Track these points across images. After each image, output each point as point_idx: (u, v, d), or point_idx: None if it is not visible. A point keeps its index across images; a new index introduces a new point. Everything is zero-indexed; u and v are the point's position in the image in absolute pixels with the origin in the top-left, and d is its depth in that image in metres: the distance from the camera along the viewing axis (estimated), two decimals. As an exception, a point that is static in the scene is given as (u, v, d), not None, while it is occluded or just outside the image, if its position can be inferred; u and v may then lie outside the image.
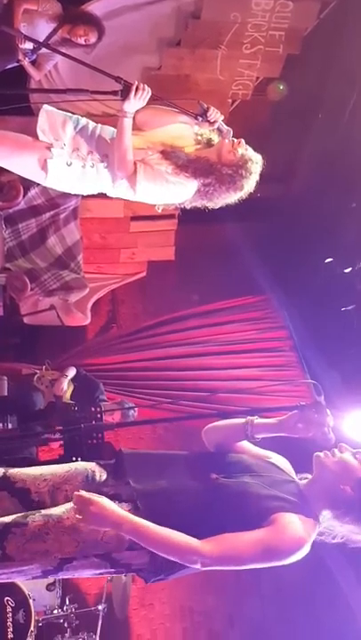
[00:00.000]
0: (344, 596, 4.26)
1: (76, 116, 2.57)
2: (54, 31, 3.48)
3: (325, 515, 1.79)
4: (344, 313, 4.88)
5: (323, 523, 1.79)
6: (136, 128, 2.50)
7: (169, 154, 2.52)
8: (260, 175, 2.58)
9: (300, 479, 1.92)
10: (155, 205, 2.75)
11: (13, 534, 1.72)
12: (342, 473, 1.79)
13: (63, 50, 3.13)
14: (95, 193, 2.68)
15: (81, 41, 3.55)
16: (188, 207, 2.66)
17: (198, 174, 2.52)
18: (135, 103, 2.36)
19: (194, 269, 5.28)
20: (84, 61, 2.57)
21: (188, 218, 4.92)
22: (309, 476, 1.89)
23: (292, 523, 1.71)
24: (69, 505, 1.77)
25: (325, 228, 4.90)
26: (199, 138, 2.58)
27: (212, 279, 5.19)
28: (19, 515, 1.78)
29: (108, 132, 2.56)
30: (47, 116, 2.52)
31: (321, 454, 1.84)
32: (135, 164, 2.48)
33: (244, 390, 4.55)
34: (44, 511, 1.78)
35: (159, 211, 2.79)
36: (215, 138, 2.58)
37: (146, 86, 2.36)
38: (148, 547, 1.69)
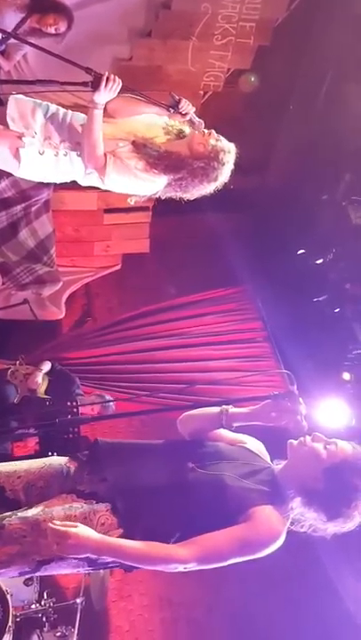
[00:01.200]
0: (322, 578, 4.34)
1: (45, 102, 2.54)
2: (23, 20, 3.42)
3: (296, 502, 1.82)
4: (316, 303, 4.95)
5: (295, 510, 1.82)
6: (107, 115, 2.48)
7: (140, 147, 2.50)
8: (234, 167, 2.59)
9: (276, 464, 1.94)
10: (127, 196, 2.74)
11: None
12: (310, 462, 1.83)
13: (32, 40, 3.08)
14: (68, 181, 2.66)
15: (51, 30, 3.50)
16: (162, 197, 2.65)
17: (169, 170, 2.51)
18: (105, 94, 2.35)
19: (169, 262, 5.28)
20: (54, 52, 2.53)
21: (163, 210, 4.97)
22: (283, 462, 1.92)
23: (268, 516, 1.75)
24: (45, 505, 1.77)
25: (298, 220, 4.96)
26: (170, 129, 2.57)
27: (188, 271, 5.20)
28: None
29: (79, 118, 2.54)
30: (16, 103, 2.48)
31: (294, 442, 1.87)
32: (105, 155, 2.47)
33: (220, 382, 4.58)
34: (20, 513, 1.77)
35: (132, 203, 2.78)
36: (186, 129, 2.57)
37: (116, 77, 2.34)
38: (128, 563, 1.71)
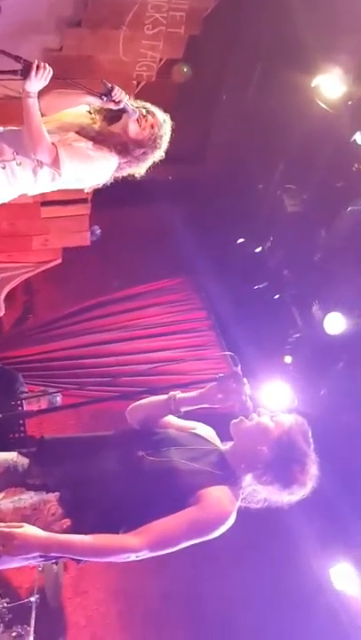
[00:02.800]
0: (273, 560, 4.46)
1: None
2: None
3: (247, 479, 1.85)
4: (258, 290, 5.05)
5: (246, 488, 1.86)
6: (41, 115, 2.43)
7: (82, 131, 2.49)
8: (171, 157, 2.62)
9: (224, 446, 1.97)
10: (83, 189, 2.72)
11: None
12: (259, 435, 1.86)
13: None
14: (15, 196, 2.58)
15: (-24, 19, 3.40)
16: (116, 178, 2.65)
17: (117, 150, 2.52)
18: (37, 82, 2.30)
19: (110, 255, 5.25)
20: (-20, 39, 2.47)
21: (102, 202, 4.93)
22: (231, 443, 1.95)
23: (218, 497, 1.76)
24: None
25: (236, 210, 5.04)
26: (93, 114, 2.55)
27: (130, 264, 5.19)
28: None
29: (10, 129, 2.48)
30: None
31: (236, 420, 1.90)
32: (54, 145, 2.42)
33: (166, 372, 4.61)
34: None
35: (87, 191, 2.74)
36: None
37: (47, 65, 2.31)
38: (79, 558, 1.70)
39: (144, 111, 2.53)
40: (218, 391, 1.91)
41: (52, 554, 1.68)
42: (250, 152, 4.86)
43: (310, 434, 1.91)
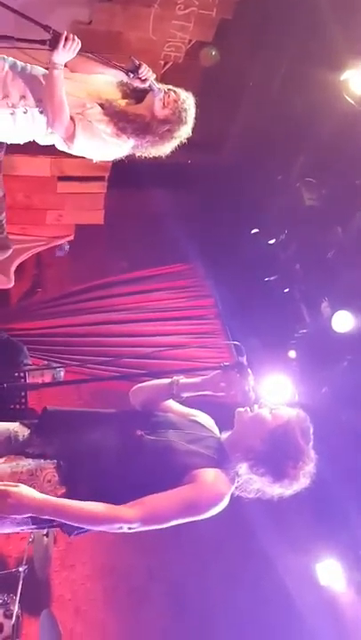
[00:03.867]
0: (259, 545, 4.50)
1: (1, 56, 2.43)
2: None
3: (243, 468, 1.87)
4: (267, 283, 5.03)
5: (241, 476, 1.87)
6: (66, 70, 2.41)
7: (107, 109, 2.45)
8: (191, 142, 2.60)
9: (223, 434, 2.00)
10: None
11: None
12: (256, 426, 1.89)
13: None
14: (26, 141, 2.58)
15: (7, -15, 3.35)
16: (135, 155, 2.62)
17: (136, 135, 2.49)
18: (64, 54, 2.28)
19: (123, 235, 5.23)
20: (10, 6, 2.43)
21: (118, 182, 4.90)
22: (230, 432, 1.97)
23: (212, 478, 1.79)
24: None
25: (253, 199, 4.99)
26: (124, 88, 2.52)
27: (141, 246, 5.17)
28: None
29: (39, 71, 2.45)
30: None
31: (241, 409, 1.93)
32: (72, 119, 2.41)
33: (170, 357, 4.62)
34: None
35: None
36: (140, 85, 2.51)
37: (75, 37, 2.28)
38: (72, 523, 1.71)
39: (166, 89, 2.50)
40: (221, 379, 1.92)
41: (45, 516, 1.69)
42: (271, 142, 4.80)
43: (311, 431, 1.91)
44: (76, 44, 2.28)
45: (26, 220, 4.88)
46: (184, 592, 4.57)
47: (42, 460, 1.79)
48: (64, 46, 2.26)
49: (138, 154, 2.60)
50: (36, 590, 4.05)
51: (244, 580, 4.48)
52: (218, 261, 5.08)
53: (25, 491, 1.67)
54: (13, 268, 4.76)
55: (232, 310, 5.00)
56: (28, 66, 2.46)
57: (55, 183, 4.74)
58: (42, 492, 1.72)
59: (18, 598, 3.69)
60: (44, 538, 3.90)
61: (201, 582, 4.51)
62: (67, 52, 2.28)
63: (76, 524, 1.73)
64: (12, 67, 2.42)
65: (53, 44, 2.26)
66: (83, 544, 4.42)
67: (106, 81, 2.53)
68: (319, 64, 4.33)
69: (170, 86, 2.56)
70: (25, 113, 2.41)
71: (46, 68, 2.38)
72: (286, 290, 4.99)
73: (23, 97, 2.40)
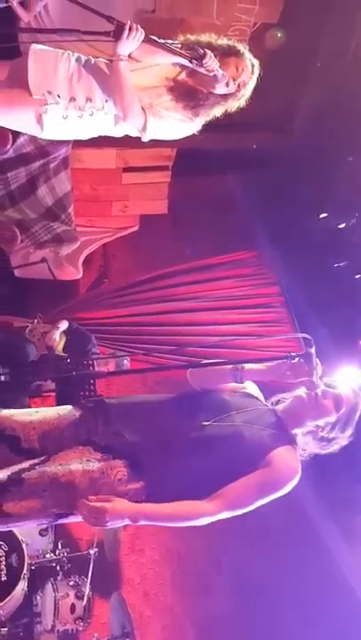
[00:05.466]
0: (325, 540, 4.44)
1: (67, 52, 2.46)
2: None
3: (298, 433, 1.98)
4: (337, 269, 4.87)
5: (300, 442, 1.99)
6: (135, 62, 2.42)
7: (178, 91, 2.46)
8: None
9: (272, 403, 2.07)
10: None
11: (10, 492, 1.76)
12: (319, 413, 1.97)
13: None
14: (94, 136, 2.63)
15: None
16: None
17: (207, 110, 2.52)
18: (128, 44, 2.28)
19: (187, 224, 5.22)
20: (75, -1, 2.45)
21: (182, 170, 4.89)
22: (281, 400, 2.06)
23: (285, 457, 1.88)
24: (62, 458, 1.82)
25: (321, 182, 4.83)
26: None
27: (205, 234, 5.14)
28: (13, 470, 1.80)
29: (102, 65, 2.46)
30: (36, 60, 2.40)
31: (304, 396, 1.98)
32: (143, 109, 2.42)
33: (235, 346, 4.58)
34: (38, 467, 1.80)
35: None
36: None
37: (139, 26, 2.27)
38: (162, 524, 1.80)
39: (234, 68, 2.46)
40: (288, 369, 1.92)
41: (138, 523, 1.77)
42: (341, 123, 4.61)
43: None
44: (140, 34, 2.27)
45: (92, 212, 4.97)
46: (250, 580, 4.55)
47: (110, 458, 1.83)
48: (127, 37, 2.25)
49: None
50: (106, 573, 4.16)
51: (312, 575, 4.41)
52: (285, 248, 4.97)
53: (119, 505, 1.73)
54: (81, 260, 4.87)
55: (300, 298, 4.88)
56: (92, 59, 2.47)
57: (120, 174, 4.79)
58: (113, 489, 1.79)
59: (89, 580, 3.80)
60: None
61: (268, 572, 4.48)
62: (131, 43, 2.27)
63: (165, 525, 1.81)
64: (78, 61, 2.44)
65: (117, 34, 2.25)
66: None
67: (170, 60, 2.51)
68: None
69: (238, 48, 2.50)
70: (91, 115, 2.44)
71: (111, 61, 2.39)
72: (357, 276, 4.82)
73: (89, 99, 2.41)
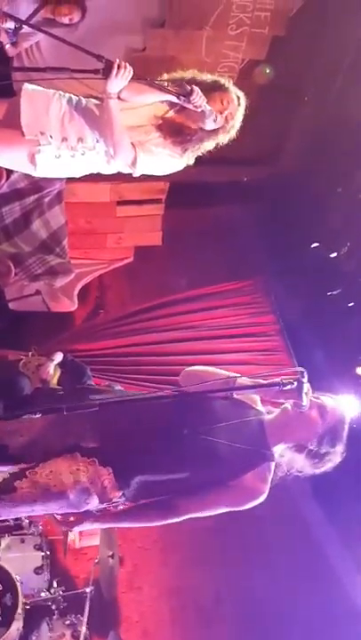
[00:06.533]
0: (330, 564, 4.35)
1: (58, 93, 2.52)
2: (37, 10, 3.43)
3: (287, 451, 2.01)
4: (330, 297, 4.90)
5: (284, 456, 2.01)
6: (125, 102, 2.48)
7: (167, 129, 2.52)
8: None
9: (267, 414, 2.08)
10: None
11: (2, 500, 1.84)
12: (307, 425, 2.01)
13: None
14: (86, 174, 2.68)
15: (65, 20, 3.51)
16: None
17: (192, 146, 2.57)
18: (117, 82, 2.34)
19: (181, 254, 5.27)
20: (66, 39, 2.52)
21: (175, 202, 4.95)
22: (274, 414, 2.06)
23: (253, 480, 1.93)
24: (52, 466, 1.86)
25: (312, 213, 4.90)
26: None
27: (200, 264, 5.18)
28: (4, 478, 1.86)
29: (93, 104, 2.53)
30: (28, 101, 2.45)
31: (289, 407, 2.01)
32: (133, 145, 2.47)
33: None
34: (30, 476, 1.86)
35: None
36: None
37: (127, 64, 2.33)
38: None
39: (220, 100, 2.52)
40: (279, 392, 1.94)
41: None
42: (330, 155, 4.71)
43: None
44: (128, 72, 2.33)
45: (87, 245, 5.02)
46: (252, 609, 4.44)
47: (97, 464, 1.88)
48: (117, 74, 2.31)
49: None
50: (103, 611, 4.06)
51: (315, 601, 4.30)
52: (278, 277, 5.01)
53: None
54: (76, 291, 4.89)
55: (294, 326, 4.90)
56: (83, 100, 2.53)
57: (115, 207, 4.86)
58: (102, 496, 1.89)
59: (85, 619, 3.70)
60: (110, 559, 3.91)
61: (269, 599, 4.37)
62: (120, 80, 2.33)
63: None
64: (69, 102, 2.50)
65: (106, 72, 2.32)
66: (149, 565, 4.41)
67: (155, 100, 2.57)
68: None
69: (221, 82, 2.58)
70: (83, 155, 2.49)
71: (102, 99, 2.44)
72: (351, 304, 4.84)
73: (81, 139, 2.47)
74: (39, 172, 2.55)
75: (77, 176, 2.69)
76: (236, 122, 2.58)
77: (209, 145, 2.62)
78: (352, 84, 4.51)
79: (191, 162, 2.67)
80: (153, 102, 2.55)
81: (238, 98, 2.56)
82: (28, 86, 2.50)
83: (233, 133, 2.62)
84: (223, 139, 2.62)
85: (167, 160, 2.55)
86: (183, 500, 1.93)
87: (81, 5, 3.49)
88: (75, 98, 2.53)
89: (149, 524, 1.98)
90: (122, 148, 2.43)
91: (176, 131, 2.52)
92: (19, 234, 4.25)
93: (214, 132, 2.56)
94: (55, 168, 2.54)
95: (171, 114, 2.56)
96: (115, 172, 2.64)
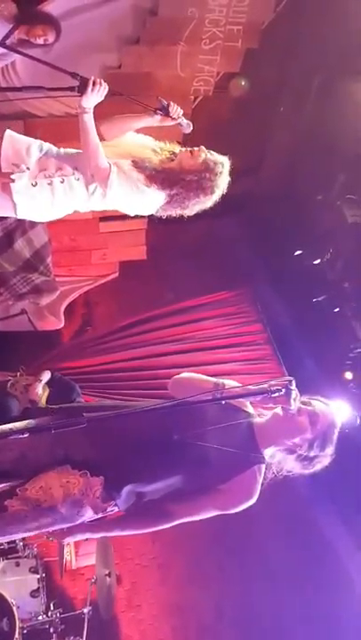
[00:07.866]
0: (331, 574, 4.32)
1: (38, 140, 2.53)
2: (11, 32, 3.44)
3: (278, 454, 2.03)
4: (316, 304, 4.93)
5: (274, 457, 2.03)
6: (99, 139, 2.48)
7: (138, 163, 2.50)
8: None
9: (257, 417, 2.09)
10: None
11: None
12: (297, 432, 2.02)
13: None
14: (67, 214, 2.62)
15: (40, 41, 3.51)
16: (163, 216, 2.63)
17: (165, 185, 2.50)
18: (93, 98, 2.36)
19: (166, 268, 5.28)
20: (41, 59, 2.55)
21: (158, 217, 4.97)
22: (265, 417, 2.07)
23: (244, 483, 1.95)
24: (42, 481, 1.85)
25: (294, 221, 4.95)
26: (160, 151, 2.56)
27: (185, 276, 5.20)
28: None
29: (73, 151, 2.54)
30: (11, 142, 2.46)
31: (280, 412, 2.02)
32: (109, 164, 2.46)
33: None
34: (20, 493, 1.85)
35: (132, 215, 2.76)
36: (176, 149, 2.57)
37: (102, 81, 2.36)
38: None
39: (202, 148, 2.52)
40: (269, 399, 1.94)
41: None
42: (308, 163, 4.78)
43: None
44: (103, 88, 2.36)
45: (72, 262, 5.02)
46: (254, 624, 4.39)
47: (88, 476, 1.87)
48: (92, 90, 2.33)
49: (168, 213, 2.59)
50: (102, 632, 4.00)
51: (317, 612, 4.27)
52: (264, 286, 5.04)
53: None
54: (63, 309, 4.87)
55: (282, 334, 4.92)
56: (62, 150, 2.54)
57: (97, 224, 4.86)
58: (94, 506, 1.87)
59: (85, 641, 3.64)
60: (107, 578, 3.86)
61: (271, 614, 4.33)
62: (95, 96, 2.36)
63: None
64: (49, 149, 2.51)
65: (82, 89, 2.34)
66: (148, 583, 4.36)
67: (138, 143, 2.58)
68: (350, 82, 4.30)
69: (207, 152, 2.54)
70: (62, 182, 2.46)
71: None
72: (337, 309, 4.87)
73: (59, 168, 2.46)
74: (20, 210, 2.49)
75: (59, 216, 2.63)
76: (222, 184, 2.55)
77: (186, 204, 2.55)
78: (327, 92, 4.59)
79: (162, 214, 2.60)
80: (131, 144, 2.55)
81: (222, 164, 2.53)
82: (9, 132, 2.50)
83: (209, 198, 2.57)
84: (205, 201, 2.57)
85: (140, 189, 2.49)
86: (174, 505, 1.93)
87: (55, 25, 3.51)
88: (55, 148, 2.54)
89: (141, 530, 1.98)
90: (97, 159, 2.41)
91: (149, 168, 2.49)
92: (2, 253, 4.23)
93: (197, 191, 2.51)
94: (34, 202, 2.49)
95: (153, 159, 2.53)
96: (93, 207, 2.60)
